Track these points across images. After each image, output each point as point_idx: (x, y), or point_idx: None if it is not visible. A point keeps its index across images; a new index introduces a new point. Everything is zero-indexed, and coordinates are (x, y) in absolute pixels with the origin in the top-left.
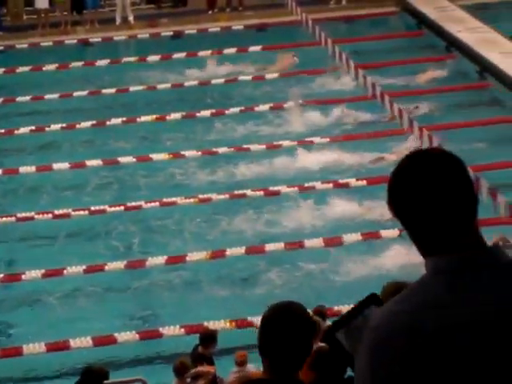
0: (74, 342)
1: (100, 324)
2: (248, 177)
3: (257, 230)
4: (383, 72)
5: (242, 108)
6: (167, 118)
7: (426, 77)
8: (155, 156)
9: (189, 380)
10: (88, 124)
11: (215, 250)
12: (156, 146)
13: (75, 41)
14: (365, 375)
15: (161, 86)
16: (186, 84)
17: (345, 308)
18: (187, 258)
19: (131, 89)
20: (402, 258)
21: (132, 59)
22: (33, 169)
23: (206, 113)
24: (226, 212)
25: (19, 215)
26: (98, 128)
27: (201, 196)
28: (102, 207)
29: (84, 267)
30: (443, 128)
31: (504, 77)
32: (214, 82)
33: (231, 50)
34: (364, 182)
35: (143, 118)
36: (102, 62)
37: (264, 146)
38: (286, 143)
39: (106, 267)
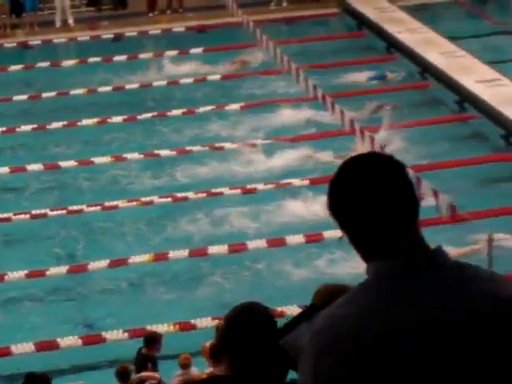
0: (16, 348)
1: (42, 329)
2: (191, 179)
3: (200, 233)
4: (325, 73)
5: (184, 110)
6: (109, 120)
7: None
8: (97, 159)
9: None
10: (28, 128)
11: (158, 252)
12: (98, 149)
13: (15, 44)
14: (308, 380)
15: (102, 89)
16: (128, 87)
17: (288, 309)
18: (130, 261)
19: (72, 92)
20: (344, 260)
21: (72, 62)
22: None
23: (148, 115)
24: (169, 215)
25: None
26: (39, 132)
27: (143, 199)
28: (43, 211)
29: (26, 272)
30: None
31: (444, 77)
32: (155, 84)
33: (172, 52)
34: (307, 182)
35: (84, 122)
36: (42, 65)
37: (207, 148)
38: (228, 145)
39: (48, 272)
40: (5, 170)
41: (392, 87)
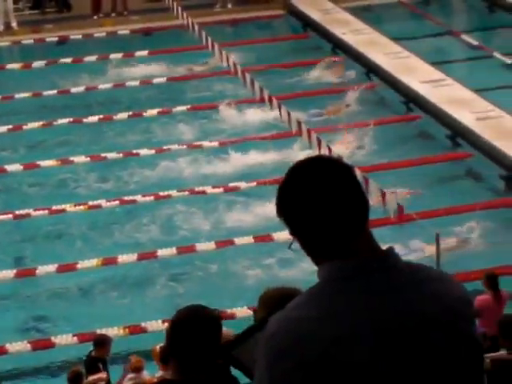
0: None
1: None
2: (138, 182)
3: (149, 236)
4: (271, 75)
5: (130, 113)
6: (54, 124)
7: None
8: (43, 163)
9: None
10: None
11: (107, 256)
12: (44, 152)
13: None
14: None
15: (47, 93)
16: (73, 90)
17: (238, 311)
18: (78, 266)
19: (16, 96)
20: (296, 261)
21: (16, 66)
22: None
23: (94, 118)
24: (117, 218)
25: None
26: None
27: (91, 203)
28: None
29: None
30: (331, 130)
31: (388, 77)
32: (100, 87)
33: (117, 55)
34: (254, 184)
35: (30, 125)
36: None
37: (153, 151)
38: (175, 147)
39: None
40: None
41: (340, 88)
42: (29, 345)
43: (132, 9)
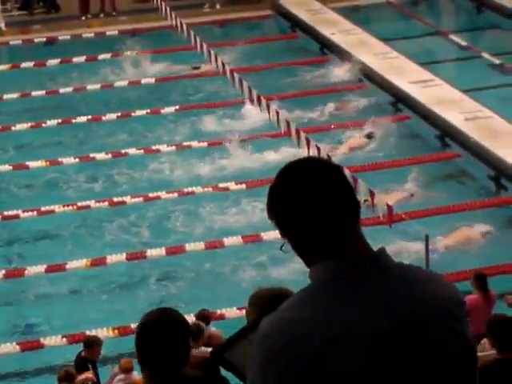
0: None
1: None
2: (127, 183)
3: (138, 237)
4: (260, 75)
5: (119, 114)
6: (43, 125)
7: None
8: (32, 164)
9: None
10: None
11: (96, 257)
12: (33, 153)
13: None
14: None
15: (35, 93)
16: (61, 91)
17: (228, 312)
18: (67, 267)
19: (5, 96)
20: (287, 261)
21: (4, 67)
22: None
23: (83, 119)
24: (106, 219)
25: None
26: None
27: (80, 203)
28: None
29: None
30: (323, 130)
31: (377, 78)
32: (89, 87)
33: (106, 56)
34: (243, 186)
35: (18, 126)
36: None
37: (142, 152)
38: (164, 148)
39: None
40: None
41: (330, 89)
42: (18, 346)
43: (120, 9)
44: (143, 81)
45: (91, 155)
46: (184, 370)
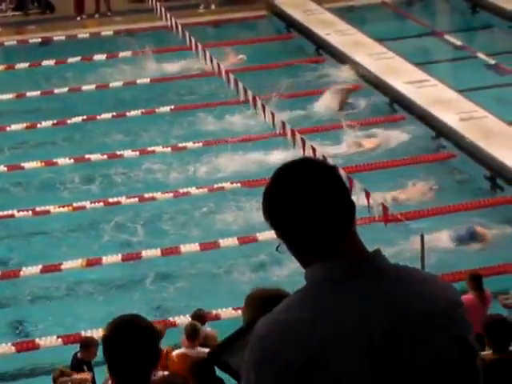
0: None
1: None
2: (122, 183)
3: (134, 237)
4: (255, 75)
5: (114, 114)
6: (38, 125)
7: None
8: (27, 164)
9: None
10: None
11: (91, 258)
12: (28, 154)
13: None
14: None
15: (30, 94)
16: (57, 91)
17: (223, 312)
18: (63, 267)
19: (0, 97)
20: (281, 262)
21: None
22: None
23: (78, 119)
24: (101, 220)
25: None
26: None
27: (75, 204)
28: None
29: None
30: (317, 130)
31: (373, 78)
32: (84, 88)
33: (101, 56)
34: (239, 186)
35: (13, 127)
36: None
37: (138, 153)
38: (159, 149)
39: None
40: None
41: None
42: (13, 347)
43: (115, 10)
44: (138, 81)
45: (86, 156)
46: (166, 377)
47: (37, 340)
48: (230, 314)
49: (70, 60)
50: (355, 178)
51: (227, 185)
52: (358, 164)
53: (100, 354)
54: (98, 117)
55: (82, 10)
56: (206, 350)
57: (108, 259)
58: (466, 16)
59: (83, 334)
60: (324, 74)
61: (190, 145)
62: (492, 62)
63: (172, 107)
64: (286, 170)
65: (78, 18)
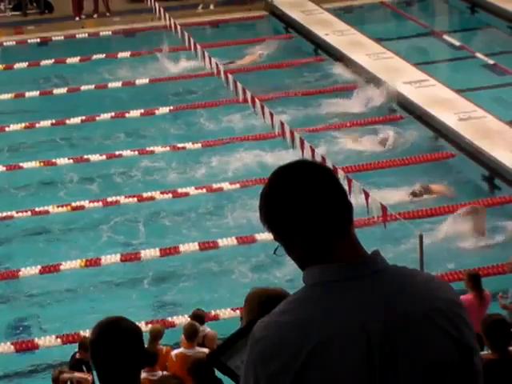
0: None
1: None
2: (122, 183)
3: (133, 237)
4: (253, 76)
5: (113, 114)
6: (37, 126)
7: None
8: (26, 164)
9: None
10: None
11: (90, 258)
12: (26, 154)
13: None
14: None
15: (29, 94)
16: (55, 91)
17: (222, 312)
18: (62, 267)
19: None
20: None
21: None
22: None
23: (77, 120)
24: (101, 220)
25: None
26: None
27: (74, 204)
28: None
29: None
30: (314, 131)
31: (372, 78)
32: (83, 88)
33: (100, 56)
34: (238, 186)
35: (12, 127)
36: None
37: (137, 153)
38: (158, 149)
39: None
40: None
41: (325, 89)
42: (12, 346)
43: (114, 10)
44: (137, 81)
45: (85, 156)
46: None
47: (36, 340)
48: (229, 313)
49: (69, 60)
50: (355, 178)
51: (226, 185)
52: (358, 164)
53: None
54: (97, 117)
55: (81, 10)
56: (205, 349)
57: (107, 259)
58: (464, 16)
59: (82, 333)
60: (323, 74)
61: (189, 145)
62: (490, 62)
63: (172, 107)
64: (282, 173)
65: (77, 18)
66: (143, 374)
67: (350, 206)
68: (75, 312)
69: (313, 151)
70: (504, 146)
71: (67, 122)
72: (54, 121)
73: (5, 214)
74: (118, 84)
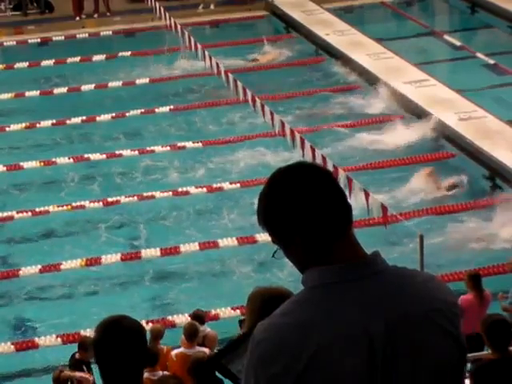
0: None
1: None
2: (122, 183)
3: (133, 237)
4: (253, 76)
5: (113, 114)
6: (37, 125)
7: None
8: (26, 164)
9: None
10: None
11: (90, 257)
12: (27, 154)
13: None
14: None
15: (29, 94)
16: (56, 91)
17: (222, 312)
18: (62, 267)
19: None
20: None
21: None
22: None
23: (77, 120)
24: (101, 219)
25: None
26: None
27: (74, 204)
28: None
29: None
30: (315, 130)
31: (372, 78)
32: (84, 88)
33: (100, 56)
34: (238, 185)
35: (13, 127)
36: None
37: (137, 152)
38: (159, 148)
39: None
40: None
41: (320, 89)
42: (12, 346)
43: (114, 10)
44: (138, 81)
45: (86, 155)
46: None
47: (36, 339)
48: (229, 313)
49: (69, 60)
50: (355, 178)
51: (227, 185)
52: (358, 164)
53: None
54: (98, 117)
55: (81, 10)
56: (205, 349)
57: (107, 259)
58: (464, 16)
59: (82, 333)
60: (323, 74)
61: (189, 144)
62: (491, 61)
63: (172, 107)
64: (281, 175)
65: (77, 18)
66: (144, 374)
67: (350, 207)
68: (75, 311)
69: (313, 151)
70: (504, 145)
71: (68, 121)
72: (54, 120)
73: (5, 213)
74: (119, 84)
